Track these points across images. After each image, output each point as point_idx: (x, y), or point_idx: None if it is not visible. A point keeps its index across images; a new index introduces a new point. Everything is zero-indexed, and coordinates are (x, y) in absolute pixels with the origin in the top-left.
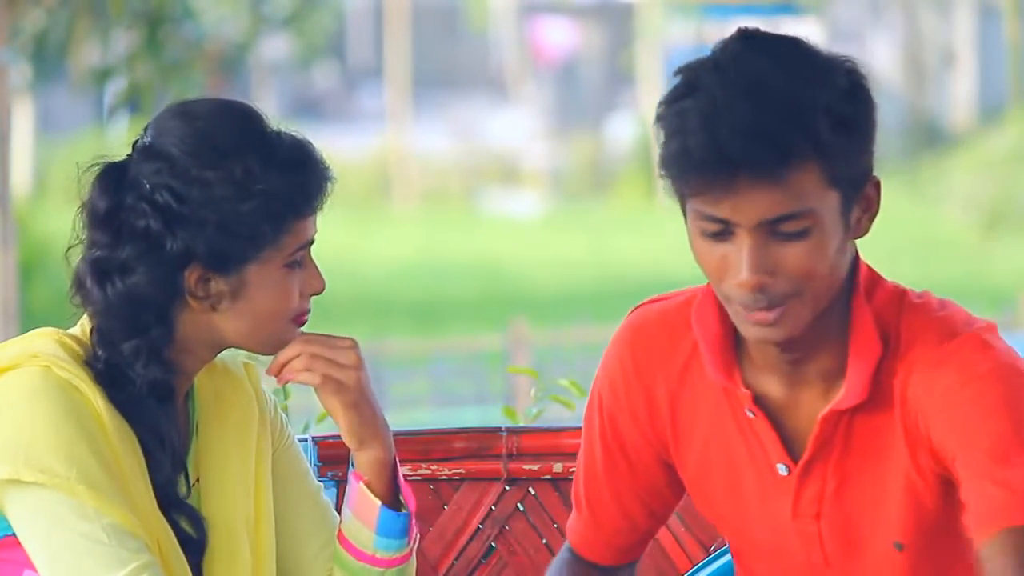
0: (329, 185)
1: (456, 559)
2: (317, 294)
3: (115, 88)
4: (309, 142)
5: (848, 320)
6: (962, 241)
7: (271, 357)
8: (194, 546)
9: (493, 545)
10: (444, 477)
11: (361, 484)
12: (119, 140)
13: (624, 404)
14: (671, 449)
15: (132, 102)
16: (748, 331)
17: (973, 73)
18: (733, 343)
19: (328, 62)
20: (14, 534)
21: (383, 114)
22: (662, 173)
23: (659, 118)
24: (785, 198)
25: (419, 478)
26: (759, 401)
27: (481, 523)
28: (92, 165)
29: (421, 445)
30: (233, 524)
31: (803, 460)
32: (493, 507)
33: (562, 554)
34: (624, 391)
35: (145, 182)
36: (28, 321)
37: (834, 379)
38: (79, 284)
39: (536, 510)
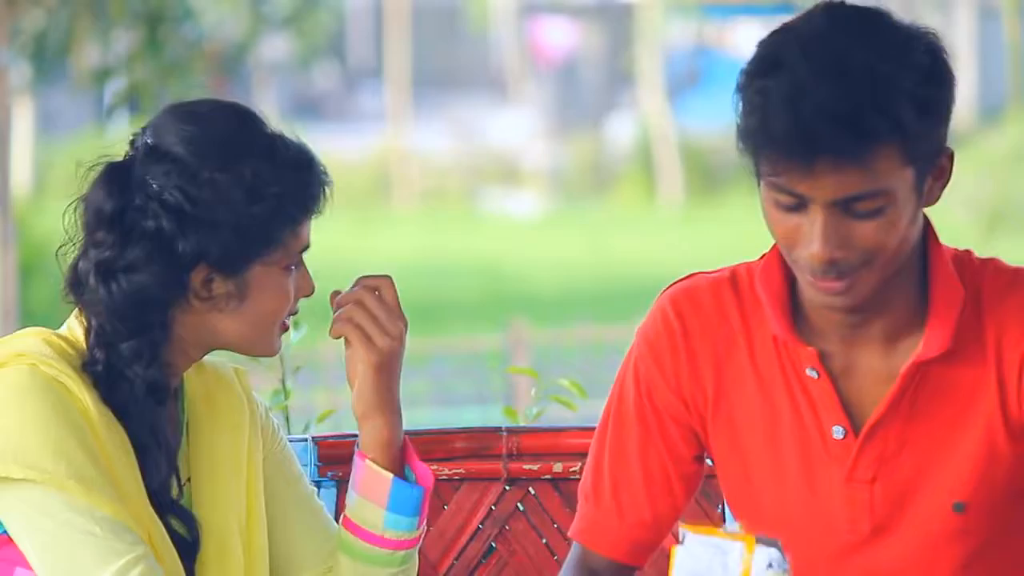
0: (329, 189)
1: (456, 559)
2: (308, 296)
3: (115, 88)
4: (307, 144)
5: (914, 278)
6: (962, 240)
7: (263, 362)
8: (187, 547)
9: (493, 545)
10: (444, 477)
11: (367, 461)
12: (119, 140)
13: (667, 368)
14: (708, 418)
15: (132, 102)
16: (816, 297)
17: (973, 73)
18: (794, 305)
19: (328, 62)
20: (5, 532)
21: (383, 114)
22: (740, 146)
23: (740, 90)
24: (863, 179)
25: None
26: (822, 360)
27: (481, 523)
28: (94, 164)
29: (421, 445)
30: (225, 524)
31: (871, 420)
32: (493, 507)
33: (571, 558)
34: (669, 355)
35: (153, 183)
36: (28, 321)
37: (897, 340)
38: (77, 284)
39: (536, 510)
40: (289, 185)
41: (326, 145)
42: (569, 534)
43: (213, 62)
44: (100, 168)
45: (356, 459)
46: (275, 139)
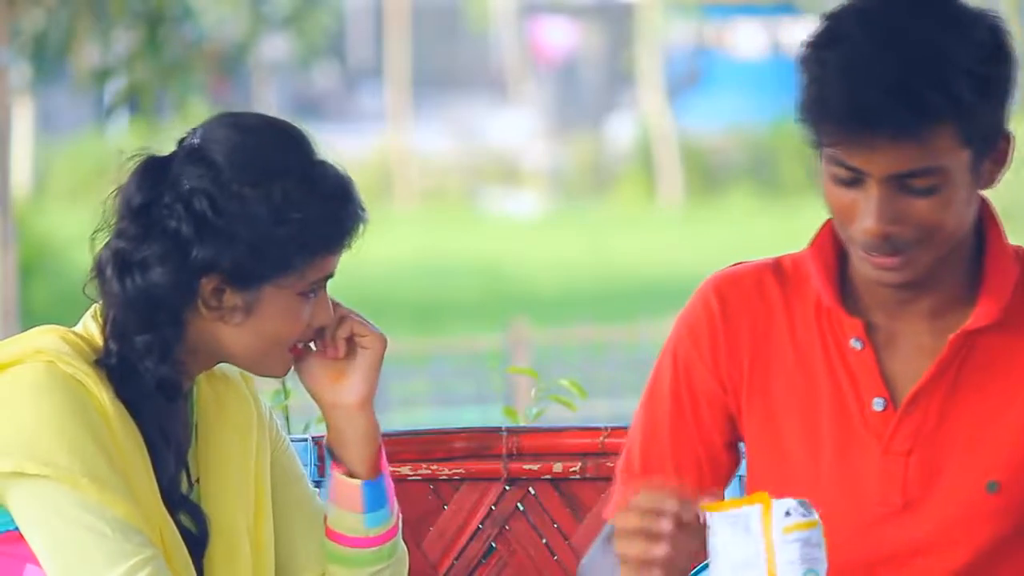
0: (363, 226)
1: (456, 559)
2: (324, 326)
3: (115, 88)
4: (351, 179)
5: (968, 256)
6: None
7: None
8: (196, 542)
9: (493, 545)
10: (444, 477)
11: (337, 474)
12: (119, 140)
13: (705, 348)
14: (743, 395)
15: (132, 102)
16: (869, 272)
17: None
18: (842, 279)
19: (328, 62)
20: (16, 528)
21: (383, 114)
22: (799, 117)
23: (801, 61)
24: (919, 155)
25: (419, 478)
26: (867, 331)
27: (481, 523)
28: (135, 155)
29: (421, 445)
30: (234, 524)
31: (913, 390)
32: (493, 507)
33: (602, 534)
34: (707, 335)
35: (186, 183)
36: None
37: (944, 315)
38: (99, 272)
39: (536, 510)
40: (316, 214)
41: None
42: (603, 516)
43: (213, 62)
44: (140, 159)
45: (331, 471)
46: (316, 166)
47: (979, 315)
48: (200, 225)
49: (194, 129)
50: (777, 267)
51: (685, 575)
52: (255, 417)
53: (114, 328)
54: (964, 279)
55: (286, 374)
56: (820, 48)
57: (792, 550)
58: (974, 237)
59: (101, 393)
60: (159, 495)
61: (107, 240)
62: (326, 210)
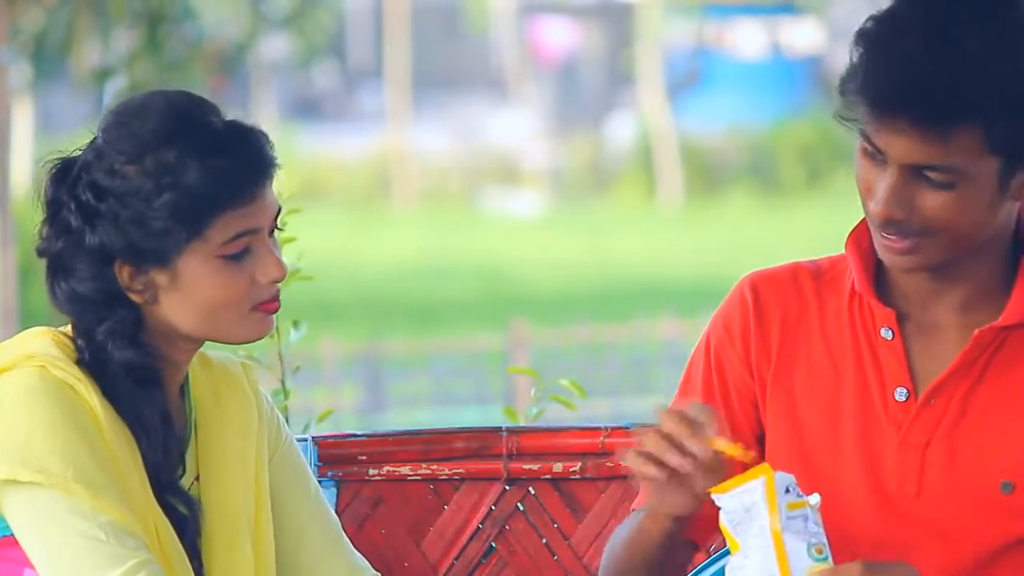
0: (265, 171)
1: (456, 559)
2: (276, 282)
3: (115, 88)
4: (248, 129)
5: (1003, 255)
6: None
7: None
8: (188, 526)
9: (493, 545)
10: (444, 477)
11: None
12: None
13: (737, 337)
14: (768, 381)
15: None
16: (882, 253)
17: None
18: (879, 271)
19: (328, 62)
20: (12, 534)
21: (383, 114)
22: (839, 88)
23: (858, 34)
24: (938, 151)
25: (419, 478)
26: (899, 321)
27: (481, 523)
28: (48, 160)
29: (421, 445)
30: (235, 520)
31: (935, 382)
32: (493, 507)
33: (629, 520)
34: (740, 325)
35: (81, 175)
36: (28, 321)
37: (976, 310)
38: (46, 281)
39: (536, 510)
40: (193, 176)
41: (326, 145)
42: (632, 507)
43: (213, 62)
44: (52, 162)
45: None
46: (200, 127)
47: (1010, 312)
48: (87, 214)
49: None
50: (814, 264)
51: (695, 505)
52: (255, 412)
53: (77, 327)
54: (999, 275)
55: (264, 335)
56: (878, 25)
57: (796, 524)
58: (1012, 234)
59: (91, 395)
60: (150, 489)
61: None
62: (205, 168)
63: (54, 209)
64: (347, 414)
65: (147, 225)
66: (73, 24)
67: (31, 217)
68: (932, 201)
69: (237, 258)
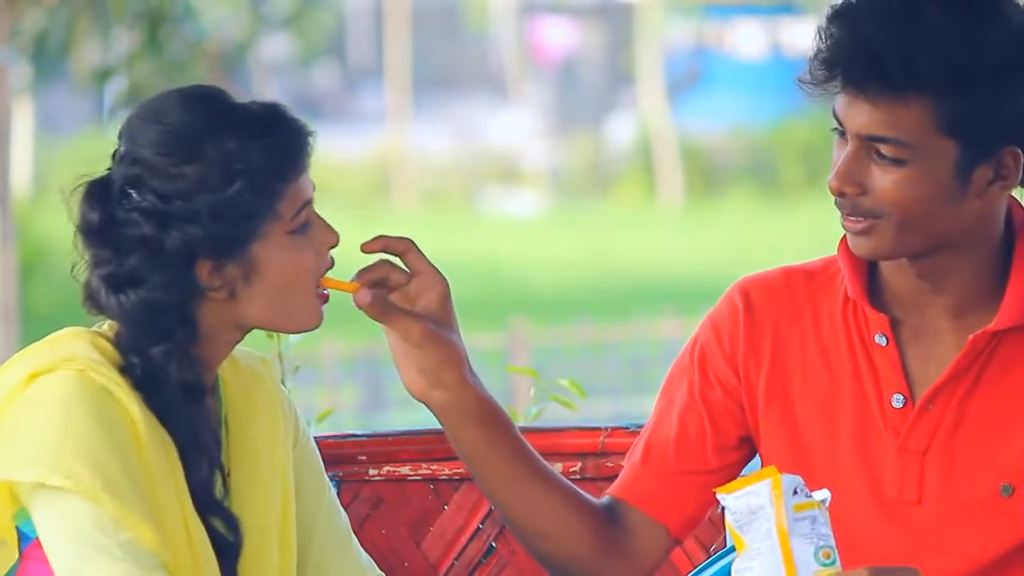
0: (310, 140)
1: (456, 559)
2: (333, 247)
3: (115, 88)
4: (278, 104)
5: (992, 256)
6: None
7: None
8: (229, 550)
9: (493, 545)
10: (444, 477)
11: None
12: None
13: (725, 338)
14: (760, 387)
15: (132, 102)
16: (848, 237)
17: None
18: (872, 277)
19: (328, 62)
20: (37, 536)
21: (383, 114)
22: (808, 63)
23: (827, 13)
24: (884, 122)
25: (419, 478)
26: (892, 327)
27: (481, 523)
28: (77, 185)
29: (421, 445)
30: (264, 521)
31: (931, 388)
32: (493, 507)
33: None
34: (728, 326)
35: (131, 191)
36: (28, 321)
37: (969, 315)
38: (93, 299)
39: None
40: (259, 154)
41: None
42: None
43: (213, 62)
44: (81, 187)
45: None
46: (238, 111)
47: (1003, 317)
48: (158, 219)
49: (119, 135)
50: (807, 269)
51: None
52: (280, 409)
53: (128, 343)
54: (990, 279)
55: (319, 325)
56: (845, 2)
57: (802, 527)
58: (1003, 239)
59: (131, 403)
60: (191, 501)
61: (89, 270)
62: (265, 145)
63: (109, 228)
64: (347, 414)
65: (226, 214)
66: (73, 24)
67: (31, 217)
68: (883, 177)
69: (302, 230)
